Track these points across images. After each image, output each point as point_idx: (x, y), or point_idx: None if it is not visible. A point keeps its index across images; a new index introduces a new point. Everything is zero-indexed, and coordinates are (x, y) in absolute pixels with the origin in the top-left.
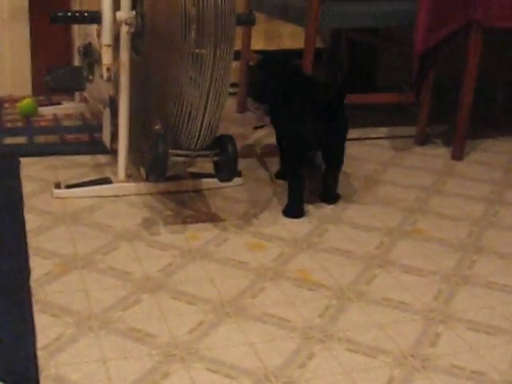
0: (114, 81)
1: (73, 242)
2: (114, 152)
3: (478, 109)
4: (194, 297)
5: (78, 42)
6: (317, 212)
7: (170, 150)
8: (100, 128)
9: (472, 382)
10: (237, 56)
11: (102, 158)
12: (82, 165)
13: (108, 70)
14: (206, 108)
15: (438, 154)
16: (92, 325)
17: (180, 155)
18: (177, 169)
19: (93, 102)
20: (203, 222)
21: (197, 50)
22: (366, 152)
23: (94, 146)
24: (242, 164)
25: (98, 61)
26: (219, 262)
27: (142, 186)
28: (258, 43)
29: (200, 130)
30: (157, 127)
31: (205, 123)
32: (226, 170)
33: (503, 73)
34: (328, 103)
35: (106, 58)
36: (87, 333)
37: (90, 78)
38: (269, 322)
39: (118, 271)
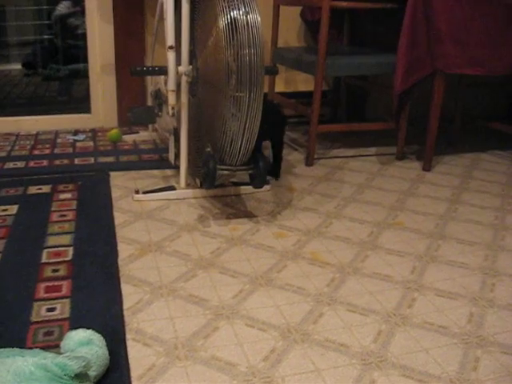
0: (177, 116)
1: (148, 233)
2: (177, 167)
3: (442, 132)
4: (236, 271)
5: (150, 88)
6: (323, 209)
7: (218, 166)
8: (167, 150)
9: (439, 334)
10: (265, 97)
11: (169, 172)
12: (154, 177)
13: (172, 108)
14: (243, 135)
15: (412, 167)
16: (163, 292)
17: (224, 169)
18: (223, 179)
19: (161, 132)
20: (241, 217)
21: (236, 94)
22: (359, 166)
23: (163, 163)
24: (269, 176)
25: (165, 102)
26: (253, 246)
27: (198, 192)
28: (279, 87)
29: (239, 152)
30: (208, 149)
31: (243, 146)
32: (258, 179)
33: (460, 105)
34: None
35: (171, 99)
36: (159, 298)
37: (160, 114)
38: (290, 289)
39: (181, 253)
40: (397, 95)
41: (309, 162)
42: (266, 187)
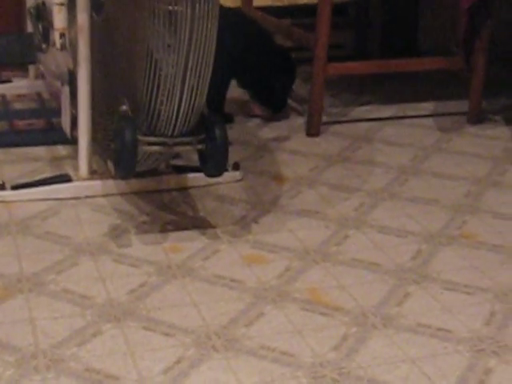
0: (72, 50)
1: (18, 259)
2: (74, 142)
3: None
4: (172, 327)
5: (29, 2)
6: (334, 213)
7: (141, 137)
8: (58, 112)
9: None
10: (238, 13)
11: (61, 151)
12: (34, 159)
13: (62, 35)
14: (184, 81)
15: (496, 136)
16: (38, 365)
17: (154, 143)
18: (153, 161)
19: (49, 79)
20: (188, 229)
21: (170, 7)
22: (403, 134)
23: (51, 135)
24: (239, 152)
25: (52, 25)
26: (206, 280)
27: (110, 185)
28: None
29: (178, 110)
30: (123, 108)
31: (184, 101)
32: (215, 161)
33: None
34: None
35: (59, 20)
36: (32, 375)
37: (45, 47)
38: (268, 357)
39: (75, 295)
40: (465, 12)
41: (312, 128)
42: (234, 175)
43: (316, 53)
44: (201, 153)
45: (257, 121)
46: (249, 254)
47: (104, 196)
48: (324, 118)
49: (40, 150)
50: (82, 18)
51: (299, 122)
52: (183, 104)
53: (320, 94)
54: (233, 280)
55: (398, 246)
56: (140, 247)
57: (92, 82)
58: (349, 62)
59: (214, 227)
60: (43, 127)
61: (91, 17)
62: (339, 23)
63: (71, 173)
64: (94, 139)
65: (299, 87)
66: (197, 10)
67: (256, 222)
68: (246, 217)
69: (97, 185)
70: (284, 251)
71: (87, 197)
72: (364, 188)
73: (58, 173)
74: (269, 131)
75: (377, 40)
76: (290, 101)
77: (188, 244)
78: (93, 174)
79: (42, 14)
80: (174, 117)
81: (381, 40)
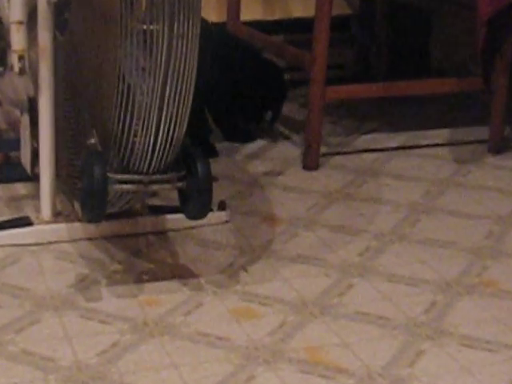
0: (33, 74)
1: None
2: (36, 178)
3: None
4: None
5: None
6: (335, 259)
7: (111, 175)
8: (17, 144)
9: None
10: (221, 30)
11: (20, 188)
12: None
13: (21, 58)
14: (161, 109)
15: None
16: None
17: (127, 181)
18: (125, 202)
19: (8, 107)
20: (167, 279)
21: (145, 26)
22: (414, 167)
23: (9, 171)
24: (225, 189)
25: (9, 45)
26: (189, 338)
27: (77, 228)
28: (252, 11)
29: (155, 143)
30: (91, 141)
31: (162, 132)
32: (197, 201)
33: None
34: None
35: (18, 40)
36: None
37: (0, 70)
38: None
39: (37, 357)
40: (484, 24)
41: (309, 160)
42: (219, 216)
43: (313, 74)
44: (181, 191)
45: (246, 152)
46: (237, 307)
47: (70, 241)
48: (323, 149)
49: None
50: (44, 37)
51: (294, 153)
52: (160, 136)
53: (318, 121)
54: (219, 338)
55: (409, 297)
56: (112, 301)
57: (55, 110)
58: (351, 84)
59: (196, 276)
60: None
61: (54, 36)
62: (339, 40)
63: (32, 215)
64: (58, 176)
65: (294, 113)
66: (175, 29)
67: (245, 271)
68: (234, 264)
69: (61, 229)
70: (278, 304)
71: (50, 242)
72: (369, 229)
73: (16, 215)
74: (259, 164)
75: (383, 58)
76: (283, 129)
77: (167, 296)
78: (57, 216)
79: None
80: (150, 150)
81: (387, 58)
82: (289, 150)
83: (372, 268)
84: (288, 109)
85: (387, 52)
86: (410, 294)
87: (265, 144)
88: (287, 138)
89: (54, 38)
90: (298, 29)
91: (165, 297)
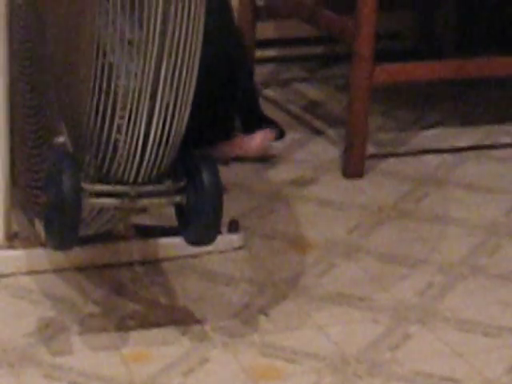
0: None
1: None
2: None
3: None
4: None
5: None
6: (388, 299)
7: (86, 185)
8: None
9: None
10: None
11: None
12: None
13: None
14: (154, 96)
15: None
16: None
17: (107, 194)
18: (105, 222)
19: None
20: (160, 325)
21: None
22: (492, 174)
23: None
24: (239, 204)
25: None
26: None
27: (40, 256)
28: None
29: (145, 143)
30: (59, 140)
31: (154, 127)
32: (201, 220)
33: None
34: None
35: None
36: None
37: None
38: None
39: None
40: None
41: (352, 165)
42: (231, 240)
43: (357, 47)
44: (180, 208)
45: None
46: (255, 364)
47: (30, 274)
48: (370, 149)
49: None
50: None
51: (331, 154)
52: (153, 133)
53: (363, 112)
54: None
55: (488, 351)
56: (86, 355)
57: (11, 99)
58: (407, 62)
59: (200, 322)
60: None
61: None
62: (393, 1)
63: None
64: (15, 186)
65: (330, 99)
66: None
67: (265, 315)
68: (251, 306)
69: (18, 256)
70: (310, 360)
71: (3, 275)
72: (433, 259)
73: None
74: (284, 169)
75: (451, 28)
76: (315, 121)
77: (160, 349)
78: (12, 239)
79: None
80: (139, 153)
81: (457, 28)
82: (323, 151)
83: (436, 312)
84: (322, 93)
85: (456, 18)
86: (489, 346)
87: (291, 142)
88: (321, 133)
89: (10, 2)
90: None
91: (157, 350)
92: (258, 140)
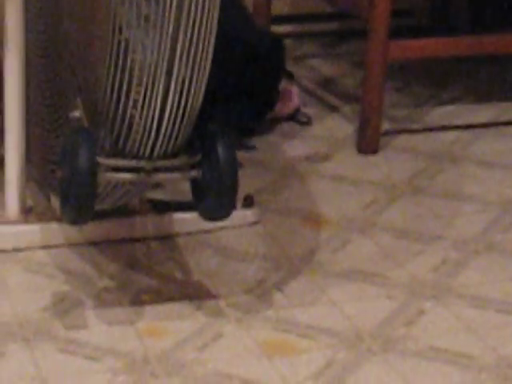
0: None
1: None
2: (0, 163)
3: None
4: None
5: None
6: (403, 274)
7: (102, 160)
8: None
9: None
10: None
11: None
12: None
13: None
14: (171, 72)
15: None
16: None
17: (123, 168)
18: (119, 196)
19: None
20: (174, 300)
21: None
22: (508, 150)
23: None
24: (253, 180)
25: None
26: (204, 382)
27: (55, 231)
28: None
29: (161, 118)
30: (75, 114)
31: (170, 103)
32: (216, 195)
33: None
34: None
35: None
36: None
37: None
38: None
39: None
40: None
41: (366, 141)
42: (246, 215)
43: (371, 23)
44: (195, 183)
45: (280, 129)
46: (269, 339)
47: (44, 248)
48: (385, 125)
49: None
50: None
51: (346, 130)
52: (168, 108)
53: (378, 88)
54: (245, 381)
55: (502, 328)
56: (101, 329)
57: (27, 74)
58: (423, 38)
59: (214, 297)
60: None
61: None
62: None
63: None
64: (30, 160)
65: (345, 75)
66: None
67: (280, 290)
68: (265, 281)
69: (33, 231)
70: (324, 335)
71: (18, 249)
72: (447, 235)
73: None
74: (298, 145)
75: (465, 4)
76: (330, 97)
77: (175, 324)
78: (27, 213)
79: None
80: (155, 128)
81: (471, 4)
82: (338, 127)
83: (451, 288)
84: (336, 69)
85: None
86: (504, 323)
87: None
88: (336, 109)
89: None
90: None
91: (171, 324)
92: (295, 99)
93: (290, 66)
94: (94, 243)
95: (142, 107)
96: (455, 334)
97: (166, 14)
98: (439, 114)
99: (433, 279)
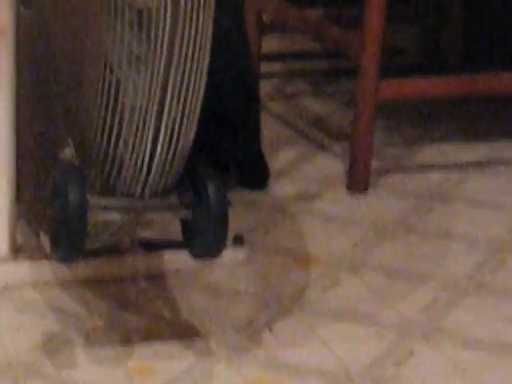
0: None
1: None
2: None
3: None
4: None
5: None
6: (392, 315)
7: (92, 198)
8: None
9: None
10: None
11: None
12: None
13: None
14: (161, 111)
15: None
16: None
17: (113, 208)
18: (109, 235)
19: None
20: (164, 339)
21: (141, 1)
22: (497, 189)
23: None
24: (243, 219)
25: None
26: None
27: (44, 269)
28: None
29: (152, 158)
30: (66, 153)
31: (161, 142)
32: (207, 235)
33: None
34: None
35: None
36: None
37: None
38: None
39: None
40: None
41: (356, 180)
42: (235, 254)
43: (362, 63)
44: (185, 222)
45: (270, 167)
46: (259, 379)
47: (34, 286)
48: (374, 164)
49: None
50: (4, 14)
51: (336, 169)
52: (159, 147)
53: (368, 126)
54: None
55: (491, 369)
56: (90, 368)
57: (18, 111)
58: (413, 77)
59: (204, 337)
60: None
61: (17, 12)
62: (399, 16)
63: None
64: (20, 198)
65: (335, 114)
66: (182, 4)
67: (270, 329)
68: (255, 320)
69: (23, 269)
70: (314, 375)
71: (8, 288)
72: (437, 275)
73: None
74: (288, 184)
75: (457, 42)
76: (320, 135)
77: (164, 363)
78: (17, 251)
79: None
80: (146, 167)
81: (463, 42)
82: (328, 166)
83: (441, 329)
84: (328, 108)
85: (462, 32)
86: (495, 364)
87: (296, 156)
88: (326, 147)
89: (18, 15)
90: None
91: (161, 364)
92: None
93: (279, 105)
94: (83, 282)
95: (133, 147)
96: (445, 376)
97: (158, 52)
98: (429, 153)
99: (423, 319)
